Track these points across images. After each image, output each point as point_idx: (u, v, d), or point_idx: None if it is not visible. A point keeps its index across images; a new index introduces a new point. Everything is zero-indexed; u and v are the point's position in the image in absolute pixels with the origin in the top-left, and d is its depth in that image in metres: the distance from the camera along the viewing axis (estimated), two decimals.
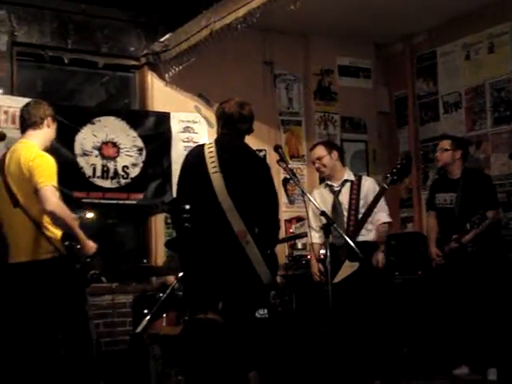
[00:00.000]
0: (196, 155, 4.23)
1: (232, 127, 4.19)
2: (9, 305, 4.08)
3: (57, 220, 3.95)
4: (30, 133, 4.20)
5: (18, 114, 5.43)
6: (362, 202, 5.10)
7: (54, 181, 4.01)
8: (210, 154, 4.14)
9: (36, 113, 4.21)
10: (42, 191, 3.93)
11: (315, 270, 5.14)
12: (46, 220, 4.00)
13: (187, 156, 4.35)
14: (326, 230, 4.21)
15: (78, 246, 4.05)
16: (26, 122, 4.21)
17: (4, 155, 4.18)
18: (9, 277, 4.08)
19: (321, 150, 5.21)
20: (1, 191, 4.10)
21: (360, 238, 4.93)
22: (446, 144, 5.46)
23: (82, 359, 4.02)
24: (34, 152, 4.06)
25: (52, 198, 3.93)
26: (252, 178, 4.10)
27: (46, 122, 4.22)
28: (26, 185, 3.99)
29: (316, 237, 5.16)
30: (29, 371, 3.94)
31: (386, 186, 4.93)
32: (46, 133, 4.23)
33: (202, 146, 4.30)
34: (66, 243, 4.03)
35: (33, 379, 3.94)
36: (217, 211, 4.02)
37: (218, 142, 4.25)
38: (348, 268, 4.91)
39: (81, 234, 4.10)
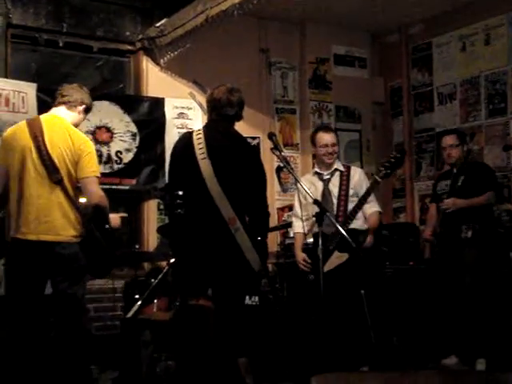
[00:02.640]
0: (185, 141, 4.23)
1: (219, 112, 4.19)
2: (21, 281, 3.99)
3: (101, 209, 3.98)
4: (62, 109, 4.17)
5: (11, 96, 5.49)
6: (351, 192, 5.12)
7: (99, 171, 4.11)
8: (199, 140, 4.13)
9: (75, 94, 4.20)
10: (90, 180, 3.98)
11: (300, 258, 5.15)
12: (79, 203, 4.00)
13: (176, 142, 4.36)
14: (318, 218, 4.22)
15: (107, 226, 4.05)
16: (63, 99, 4.17)
17: (37, 125, 4.03)
18: (31, 253, 3.94)
19: (334, 138, 5.22)
20: (31, 162, 3.95)
21: (349, 226, 4.94)
22: (452, 140, 5.45)
23: (73, 343, 4.01)
24: (82, 136, 4.08)
25: (98, 188, 4.01)
26: (240, 163, 4.10)
27: (79, 107, 4.21)
28: (71, 165, 3.96)
29: (300, 226, 5.14)
30: (22, 353, 3.94)
31: (379, 179, 4.94)
32: (75, 117, 4.20)
33: (191, 132, 4.30)
34: (107, 226, 4.02)
35: (24, 361, 3.94)
36: (206, 197, 4.02)
37: (206, 127, 4.26)
38: (336, 259, 4.92)
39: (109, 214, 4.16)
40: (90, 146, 4.07)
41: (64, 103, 4.17)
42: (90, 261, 4.00)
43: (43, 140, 3.96)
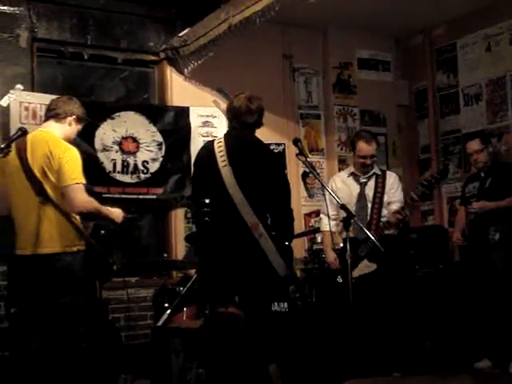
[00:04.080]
0: (206, 150, 4.26)
1: (239, 120, 4.21)
2: (27, 297, 4.04)
3: (88, 215, 4.00)
4: (51, 123, 4.21)
5: (38, 109, 5.55)
6: (385, 197, 5.10)
7: (82, 178, 4.03)
8: (220, 147, 4.16)
9: (62, 106, 4.22)
10: (72, 188, 3.95)
11: (330, 257, 5.12)
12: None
13: (199, 151, 4.40)
14: (346, 223, 4.20)
15: (103, 232, 4.07)
16: (50, 112, 4.22)
17: (23, 143, 4.09)
18: (28, 268, 4.00)
19: (375, 148, 5.19)
20: (19, 179, 4.03)
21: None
22: (476, 144, 5.40)
23: (103, 352, 4.04)
24: (63, 145, 4.07)
25: (82, 195, 3.97)
26: (261, 169, 4.11)
27: (68, 118, 4.22)
28: (53, 175, 3.98)
29: (327, 224, 5.10)
30: (50, 364, 3.96)
31: (416, 197, 4.90)
32: (65, 129, 4.22)
33: (213, 141, 4.33)
34: (102, 232, 4.04)
35: (54, 372, 3.96)
36: (229, 205, 4.03)
37: (226, 135, 4.28)
38: (365, 267, 4.90)
39: (107, 212, 4.16)
40: (70, 154, 4.03)
41: (52, 117, 4.21)
42: (89, 269, 4.02)
43: (25, 156, 4.02)
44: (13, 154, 4.03)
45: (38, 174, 3.99)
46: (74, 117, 4.24)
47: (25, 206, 4.03)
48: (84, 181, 4.04)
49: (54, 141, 4.08)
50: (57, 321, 3.98)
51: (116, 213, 4.25)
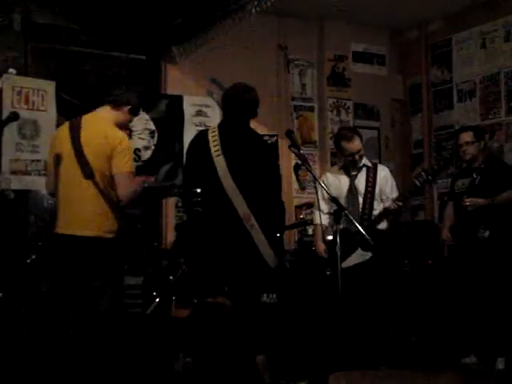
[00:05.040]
0: (200, 139, 4.26)
1: (233, 110, 4.21)
2: (58, 275, 4.12)
3: (133, 204, 4.05)
4: (107, 108, 4.23)
5: (30, 94, 5.52)
6: (377, 190, 5.09)
7: (133, 167, 4.13)
8: (214, 137, 4.16)
9: (120, 94, 4.26)
10: (122, 175, 4.00)
11: (321, 249, 5.13)
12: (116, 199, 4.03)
13: (192, 140, 4.39)
14: (336, 215, 4.20)
15: (139, 226, 4.11)
16: (109, 98, 4.25)
17: (77, 123, 4.14)
18: (63, 248, 4.05)
19: (359, 143, 5.12)
20: (69, 159, 4.05)
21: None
22: (469, 136, 5.39)
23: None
24: (120, 134, 4.11)
25: (131, 184, 4.03)
26: (254, 160, 4.11)
27: (124, 108, 4.24)
28: (105, 161, 4.00)
29: (322, 218, 5.12)
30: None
31: (419, 184, 4.90)
32: (119, 116, 4.24)
33: (206, 130, 4.32)
34: (139, 226, 4.07)
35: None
36: (221, 194, 4.03)
37: (221, 125, 4.28)
38: (359, 256, 4.90)
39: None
40: (125, 143, 4.08)
41: (109, 102, 4.24)
42: (121, 258, 4.07)
43: (79, 138, 4.05)
44: (65, 131, 4.11)
45: (89, 156, 4.01)
46: (129, 107, 4.27)
47: (70, 186, 4.05)
48: (134, 170, 4.13)
49: (110, 127, 4.12)
50: (86, 307, 4.02)
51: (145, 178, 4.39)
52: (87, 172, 3.98)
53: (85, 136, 4.06)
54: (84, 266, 3.98)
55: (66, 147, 4.07)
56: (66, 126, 4.17)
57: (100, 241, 3.98)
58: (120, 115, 4.24)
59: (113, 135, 4.06)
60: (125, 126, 4.35)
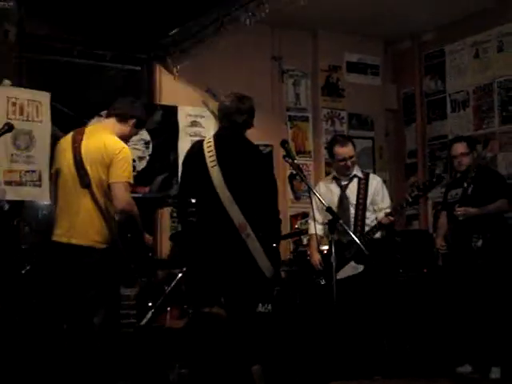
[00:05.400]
0: (196, 150, 4.26)
1: (229, 120, 4.22)
2: (53, 284, 4.14)
3: (126, 216, 4.02)
4: (113, 121, 4.24)
5: (25, 105, 5.52)
6: (369, 200, 5.10)
7: (131, 178, 4.08)
8: (209, 147, 4.17)
9: (125, 107, 4.26)
10: (118, 185, 3.98)
11: (315, 259, 5.13)
12: (111, 209, 4.03)
13: (188, 151, 4.40)
14: (331, 226, 4.21)
15: (129, 235, 4.10)
16: (114, 111, 4.26)
17: (80, 133, 4.17)
18: (58, 255, 4.07)
19: (352, 149, 5.15)
20: (68, 168, 4.08)
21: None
22: (463, 148, 5.41)
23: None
24: (120, 144, 4.10)
25: (126, 194, 4.00)
26: (250, 170, 4.12)
27: (130, 121, 4.25)
28: (103, 171, 4.01)
29: (317, 228, 5.12)
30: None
31: (410, 199, 4.92)
32: (123, 129, 4.24)
33: (202, 140, 4.33)
34: (129, 235, 4.06)
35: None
36: (217, 205, 4.03)
37: (216, 135, 4.29)
38: (352, 269, 4.91)
39: (141, 228, 4.21)
40: (124, 153, 4.07)
41: (115, 115, 4.25)
42: (114, 269, 4.05)
43: (80, 148, 4.07)
44: (68, 141, 4.13)
45: (87, 166, 4.02)
46: (134, 120, 4.27)
47: (68, 195, 4.07)
48: (132, 181, 4.10)
49: (110, 137, 4.11)
50: (79, 316, 4.02)
51: (147, 236, 4.36)
52: (84, 181, 3.99)
53: (85, 145, 4.07)
54: (78, 274, 3.98)
55: (67, 157, 4.08)
56: (69, 136, 4.19)
57: (93, 250, 3.98)
58: (125, 128, 4.25)
59: (112, 145, 4.06)
60: (128, 139, 4.34)
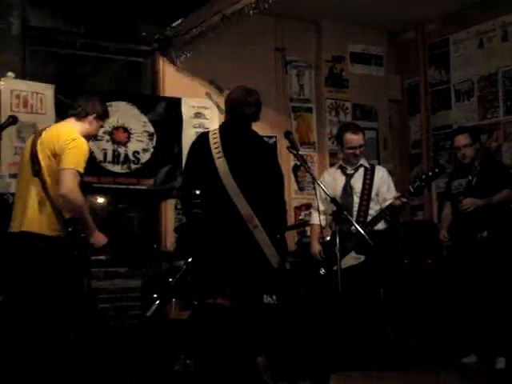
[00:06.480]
0: (201, 141, 4.27)
1: (236, 112, 4.22)
2: (7, 275, 4.20)
3: (67, 204, 4.00)
4: (72, 120, 4.31)
5: (29, 97, 5.53)
6: (374, 190, 5.09)
7: (81, 167, 4.07)
8: (215, 139, 4.18)
9: (83, 105, 4.32)
10: (64, 172, 3.99)
11: (315, 250, 5.13)
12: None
13: (193, 142, 4.41)
14: (335, 217, 4.21)
15: (83, 235, 4.08)
16: (72, 111, 4.33)
17: (42, 130, 4.27)
18: (14, 245, 4.13)
19: (363, 138, 5.15)
20: (25, 160, 4.18)
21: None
22: (465, 139, 5.40)
23: (90, 342, 4.04)
24: (74, 134, 4.14)
25: (70, 181, 3.98)
26: (256, 161, 4.12)
27: (89, 117, 4.30)
28: (55, 160, 4.06)
29: (317, 218, 5.14)
30: (37, 353, 3.97)
31: (412, 190, 4.91)
32: (84, 127, 4.30)
33: (208, 132, 4.33)
34: (70, 229, 4.04)
35: (41, 361, 3.96)
36: (223, 196, 4.04)
37: (222, 127, 4.29)
38: (353, 259, 4.91)
39: (91, 225, 4.15)
40: (77, 143, 4.09)
41: (74, 115, 4.33)
42: (70, 257, 4.08)
43: (37, 139, 4.17)
44: (30, 139, 4.25)
45: (40, 155, 4.09)
46: (94, 115, 4.32)
47: (22, 185, 4.18)
48: (82, 171, 4.08)
49: (67, 130, 4.17)
50: (40, 305, 4.03)
51: (99, 236, 4.21)
52: (35, 169, 4.06)
53: (42, 137, 4.17)
54: (31, 259, 4.04)
55: (27, 149, 4.20)
56: (37, 131, 4.32)
57: (44, 238, 4.03)
58: (85, 125, 4.31)
59: (65, 134, 4.11)
60: (95, 134, 4.47)
